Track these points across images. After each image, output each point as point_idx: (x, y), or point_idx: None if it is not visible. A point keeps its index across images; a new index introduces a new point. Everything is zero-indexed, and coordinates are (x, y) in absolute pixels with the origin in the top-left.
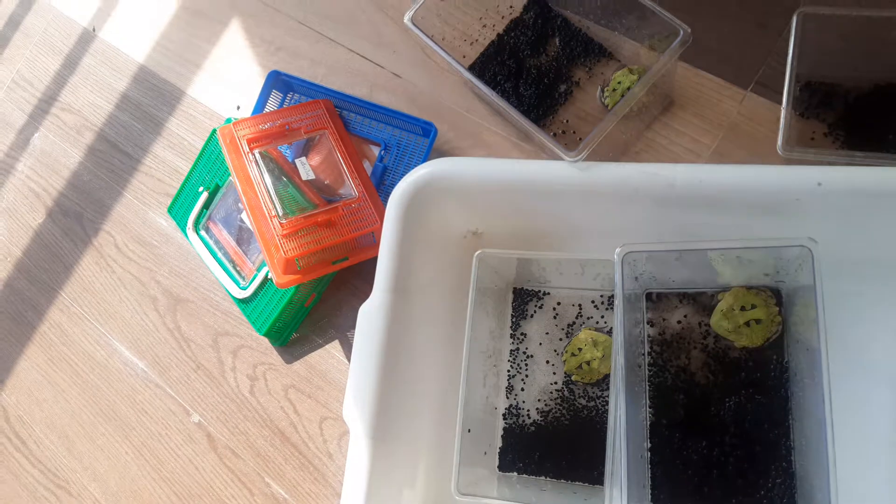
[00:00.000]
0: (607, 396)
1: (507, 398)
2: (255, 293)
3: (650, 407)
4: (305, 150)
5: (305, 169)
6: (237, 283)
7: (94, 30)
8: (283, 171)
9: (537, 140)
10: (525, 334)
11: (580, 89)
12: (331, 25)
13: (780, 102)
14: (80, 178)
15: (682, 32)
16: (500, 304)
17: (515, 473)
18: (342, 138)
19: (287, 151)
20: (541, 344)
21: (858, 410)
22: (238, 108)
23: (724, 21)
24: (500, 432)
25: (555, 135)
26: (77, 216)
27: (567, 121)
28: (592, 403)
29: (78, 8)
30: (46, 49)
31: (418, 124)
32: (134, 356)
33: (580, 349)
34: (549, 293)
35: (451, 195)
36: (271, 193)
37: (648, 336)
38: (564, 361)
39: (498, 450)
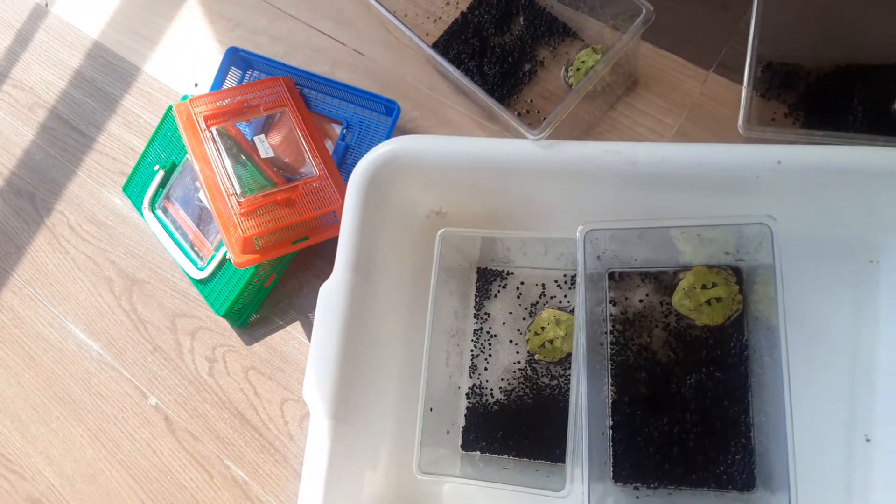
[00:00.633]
0: (570, 375)
1: (471, 378)
2: (214, 274)
3: (612, 385)
4: (265, 128)
5: (264, 147)
6: (195, 263)
7: (46, 5)
8: (241, 149)
9: (502, 119)
10: (489, 314)
11: (544, 69)
12: (291, 1)
13: (741, 83)
14: (33, 156)
15: (644, 11)
16: (463, 284)
17: (478, 452)
18: (303, 116)
19: (246, 129)
20: (504, 323)
21: (817, 387)
22: (196, 85)
23: (688, 2)
24: (464, 412)
25: (519, 114)
26: (29, 196)
27: (531, 100)
28: (555, 382)
29: None
30: None
31: (381, 102)
32: (89, 338)
33: (543, 328)
34: (512, 273)
35: (414, 173)
36: (229, 171)
37: (611, 315)
38: (528, 340)
39: (461, 429)
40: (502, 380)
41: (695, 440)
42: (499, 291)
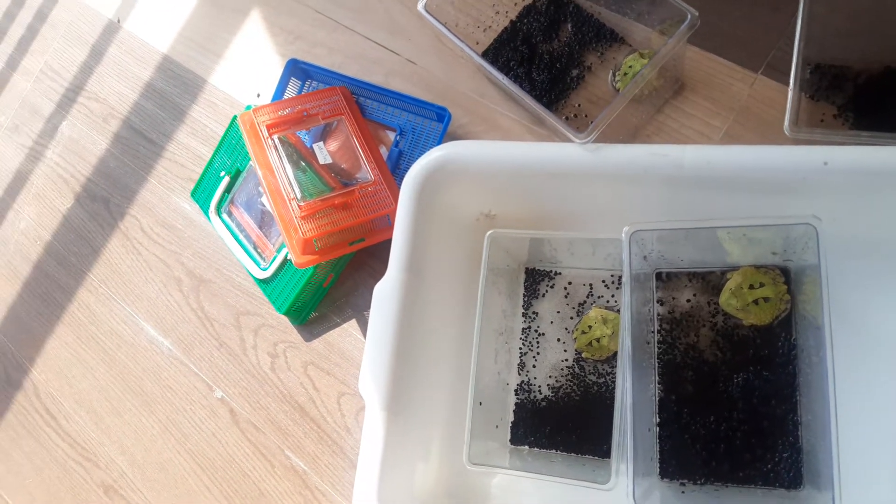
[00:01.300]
0: (615, 373)
1: (519, 375)
2: (276, 274)
3: (659, 383)
4: (323, 136)
5: (323, 153)
6: (258, 264)
7: (118, 21)
8: (301, 156)
9: (549, 124)
10: (537, 313)
11: (592, 74)
12: (347, 14)
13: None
14: (107, 164)
15: (689, 16)
16: (512, 284)
17: (527, 447)
18: (359, 124)
19: (305, 137)
20: (552, 322)
21: (865, 386)
22: (258, 95)
23: (737, 4)
24: (512, 407)
25: (567, 118)
26: (104, 201)
27: (579, 105)
28: (602, 380)
29: (103, 0)
30: (73, 40)
31: (433, 109)
32: (159, 335)
33: (590, 327)
34: (560, 273)
35: (463, 177)
36: (290, 177)
37: (658, 314)
38: (575, 339)
39: (510, 424)
40: (550, 377)
41: (742, 438)
42: (546, 291)
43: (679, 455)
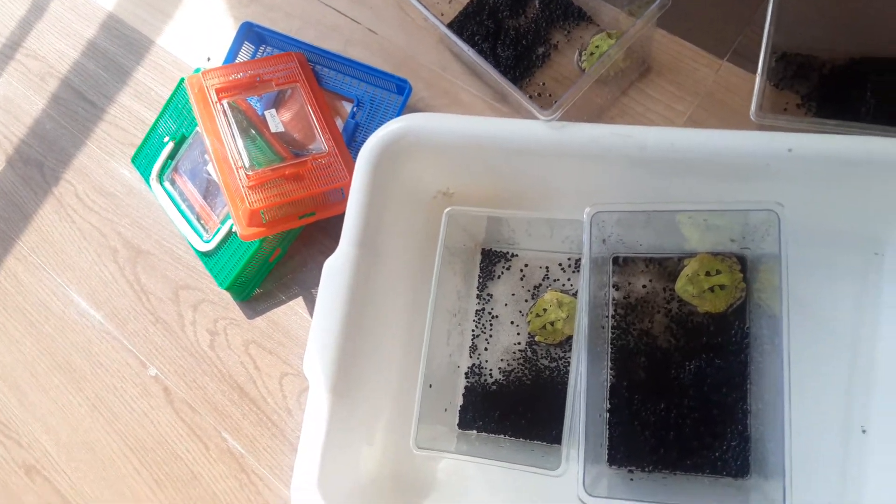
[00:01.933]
0: (569, 357)
1: (471, 357)
2: (219, 247)
3: (611, 369)
4: (276, 104)
5: (275, 121)
6: (200, 236)
7: None
8: (251, 123)
9: (513, 101)
10: (491, 295)
11: (558, 53)
12: None
13: (755, 73)
14: (42, 125)
15: None
16: (467, 265)
17: (475, 431)
18: (314, 92)
19: (257, 104)
20: (506, 305)
21: (816, 376)
22: (208, 59)
23: None
24: (462, 391)
25: (531, 97)
26: (38, 164)
27: (544, 83)
28: (555, 364)
29: None
30: None
31: (392, 81)
32: (91, 308)
33: (545, 310)
34: (517, 255)
35: (422, 152)
36: (238, 144)
37: (613, 299)
38: (529, 322)
39: (458, 408)
40: (502, 360)
41: (691, 426)
42: (502, 273)
43: (628, 442)
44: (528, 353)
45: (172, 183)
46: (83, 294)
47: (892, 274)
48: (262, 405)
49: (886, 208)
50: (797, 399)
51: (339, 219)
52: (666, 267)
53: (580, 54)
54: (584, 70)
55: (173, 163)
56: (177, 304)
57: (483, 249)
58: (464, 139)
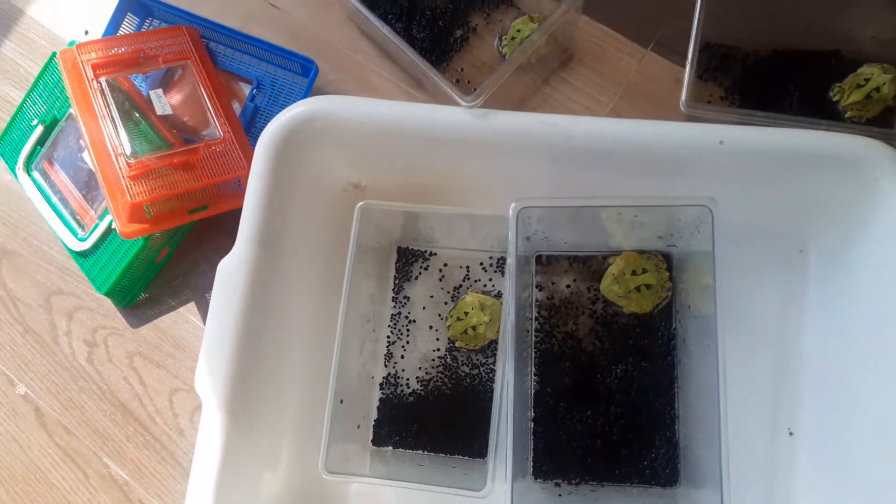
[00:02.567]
0: (492, 364)
1: (386, 366)
2: (97, 246)
3: (535, 375)
4: (164, 84)
5: (161, 102)
6: (75, 233)
7: None
8: (134, 105)
9: (431, 86)
10: (408, 297)
11: (477, 36)
12: None
13: (679, 63)
14: None
15: None
16: (382, 265)
17: (391, 448)
18: (207, 72)
19: (142, 84)
20: (424, 308)
21: (742, 378)
22: (86, 32)
23: None
24: (377, 403)
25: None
26: None
27: (462, 69)
28: (476, 371)
29: None
30: None
31: (297, 61)
32: None
33: (466, 313)
34: (435, 253)
35: (330, 139)
36: (118, 128)
37: (537, 300)
38: (449, 326)
39: (373, 423)
40: (420, 369)
41: (619, 433)
42: (420, 273)
43: (554, 453)
44: (448, 360)
45: (43, 173)
46: None
47: (816, 272)
48: (150, 426)
49: (811, 204)
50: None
51: (236, 213)
52: (590, 266)
53: (500, 38)
54: (504, 55)
55: (43, 150)
56: (49, 313)
57: (399, 248)
58: (377, 125)
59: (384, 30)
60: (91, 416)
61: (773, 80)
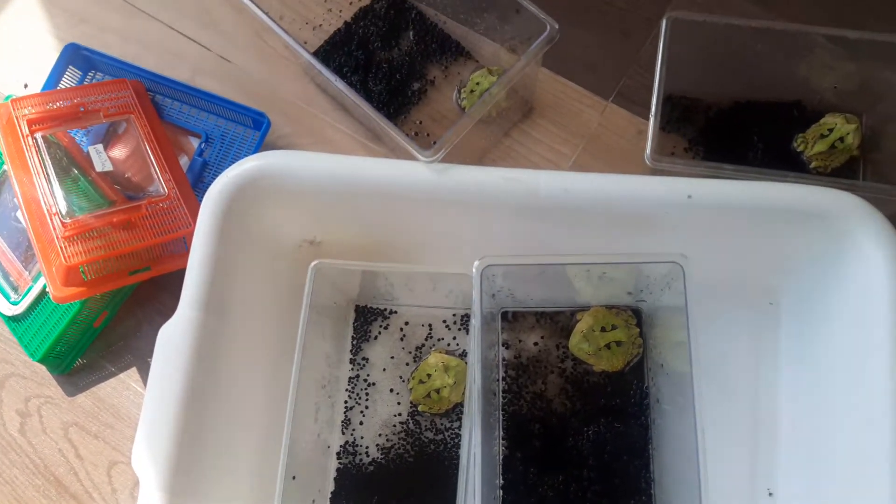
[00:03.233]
0: (457, 428)
1: (343, 434)
2: (30, 309)
3: (504, 439)
4: (107, 139)
5: (101, 158)
6: (7, 297)
7: None
8: (73, 161)
9: (388, 140)
10: (367, 359)
11: (435, 89)
12: None
13: (640, 115)
14: None
15: (548, 28)
16: (339, 325)
17: None
18: (152, 126)
19: (84, 140)
20: (385, 370)
21: (718, 437)
22: (25, 86)
23: (587, 28)
24: (333, 474)
25: (406, 136)
26: None
27: (420, 122)
28: (440, 437)
29: None
30: None
31: (248, 114)
32: None
33: (429, 375)
34: (396, 311)
35: (283, 195)
36: (53, 185)
37: (503, 359)
38: (411, 389)
39: (329, 495)
40: (380, 435)
41: (592, 499)
42: (380, 333)
43: None
44: (411, 425)
45: None
46: None
47: (788, 324)
48: (87, 502)
49: (781, 257)
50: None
51: (183, 274)
52: (558, 322)
53: (459, 91)
54: (463, 108)
55: None
56: None
57: (357, 306)
58: (332, 181)
59: (339, 84)
60: (22, 493)
61: (736, 131)
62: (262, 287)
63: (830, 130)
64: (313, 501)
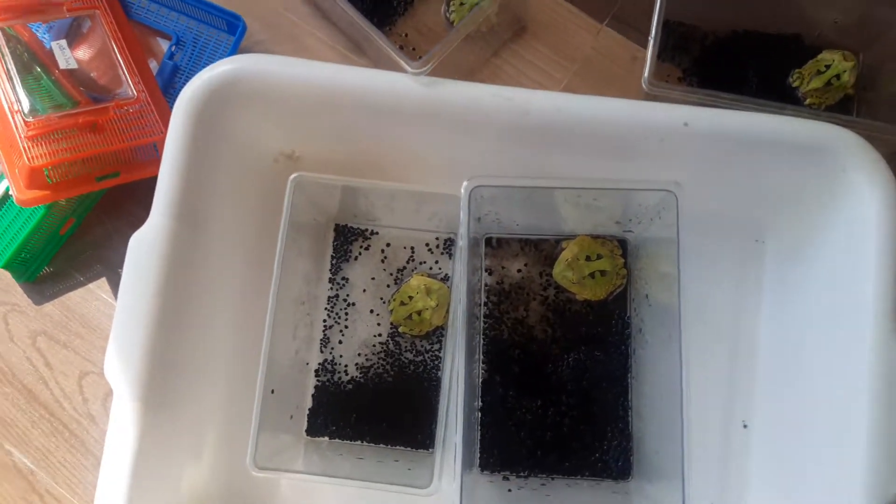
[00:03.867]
0: (437, 351)
1: (322, 352)
2: None
3: (483, 363)
4: (70, 36)
5: (64, 55)
6: None
7: None
8: (34, 57)
9: (372, 52)
10: (347, 279)
11: (422, 0)
12: None
13: (636, 41)
14: None
15: None
16: (318, 243)
17: (326, 438)
18: (119, 24)
19: (46, 36)
20: (365, 290)
21: (697, 370)
22: None
23: None
24: (311, 391)
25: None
26: None
27: (406, 35)
28: (420, 358)
29: None
30: None
31: (222, 17)
32: None
33: (411, 297)
34: (377, 232)
35: (260, 102)
36: (14, 82)
37: (486, 285)
38: (392, 311)
39: (307, 412)
40: (359, 355)
41: (570, 425)
42: (360, 253)
43: (502, 444)
44: (391, 346)
45: None
46: None
47: (772, 263)
48: (57, 411)
49: (772, 193)
50: (671, 396)
51: (154, 182)
52: (542, 250)
53: (448, 4)
54: (452, 22)
55: None
56: None
57: (336, 225)
58: (312, 89)
59: None
60: None
61: (732, 62)
62: (238, 199)
63: (827, 67)
64: (291, 416)
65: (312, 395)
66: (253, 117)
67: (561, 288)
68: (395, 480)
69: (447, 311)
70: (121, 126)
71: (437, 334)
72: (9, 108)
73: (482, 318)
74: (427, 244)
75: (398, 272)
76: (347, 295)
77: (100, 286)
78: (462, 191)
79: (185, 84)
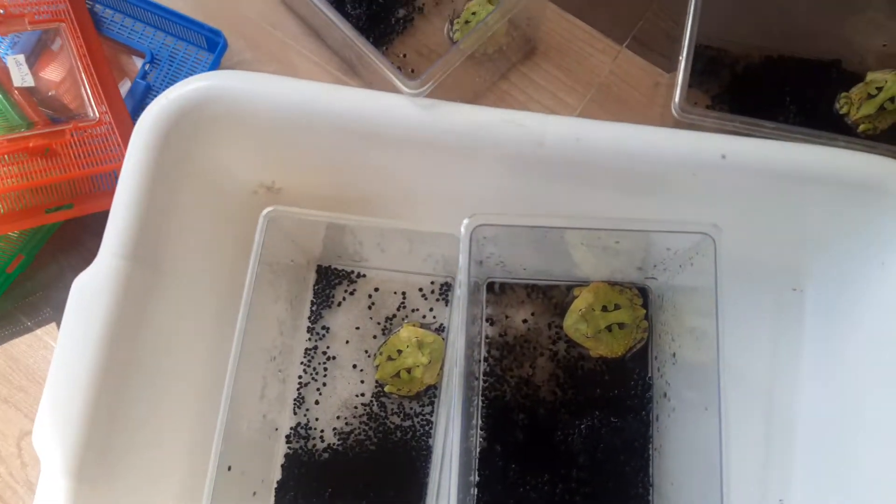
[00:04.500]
0: (428, 414)
1: (295, 414)
2: None
3: (482, 429)
4: (36, 52)
5: (21, 71)
6: None
7: None
8: None
9: (366, 72)
10: (328, 328)
11: (423, 18)
12: None
13: (658, 64)
14: None
15: None
16: (296, 287)
17: None
18: (87, 38)
19: (9, 52)
20: (347, 342)
21: (732, 439)
22: None
23: None
24: (281, 461)
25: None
26: None
27: (404, 55)
28: (409, 423)
29: None
30: None
31: (201, 33)
32: None
33: (400, 351)
34: (364, 275)
35: (235, 126)
36: None
37: (487, 337)
38: (377, 367)
39: (275, 485)
40: (338, 418)
41: (581, 503)
42: (344, 299)
43: None
44: (374, 408)
45: None
46: None
47: (813, 315)
48: None
49: (813, 234)
50: (695, 467)
51: None
52: (552, 297)
53: (452, 23)
54: (455, 42)
55: None
56: None
57: (319, 266)
58: (296, 111)
59: (316, 1)
60: None
61: (767, 88)
62: (208, 238)
63: (879, 89)
64: (254, 493)
65: (282, 466)
66: (228, 143)
67: (572, 342)
68: None
69: (441, 368)
70: (78, 151)
71: (430, 395)
72: None
73: (482, 377)
74: (420, 289)
75: (387, 321)
76: (328, 347)
77: (48, 332)
78: (462, 230)
79: None
